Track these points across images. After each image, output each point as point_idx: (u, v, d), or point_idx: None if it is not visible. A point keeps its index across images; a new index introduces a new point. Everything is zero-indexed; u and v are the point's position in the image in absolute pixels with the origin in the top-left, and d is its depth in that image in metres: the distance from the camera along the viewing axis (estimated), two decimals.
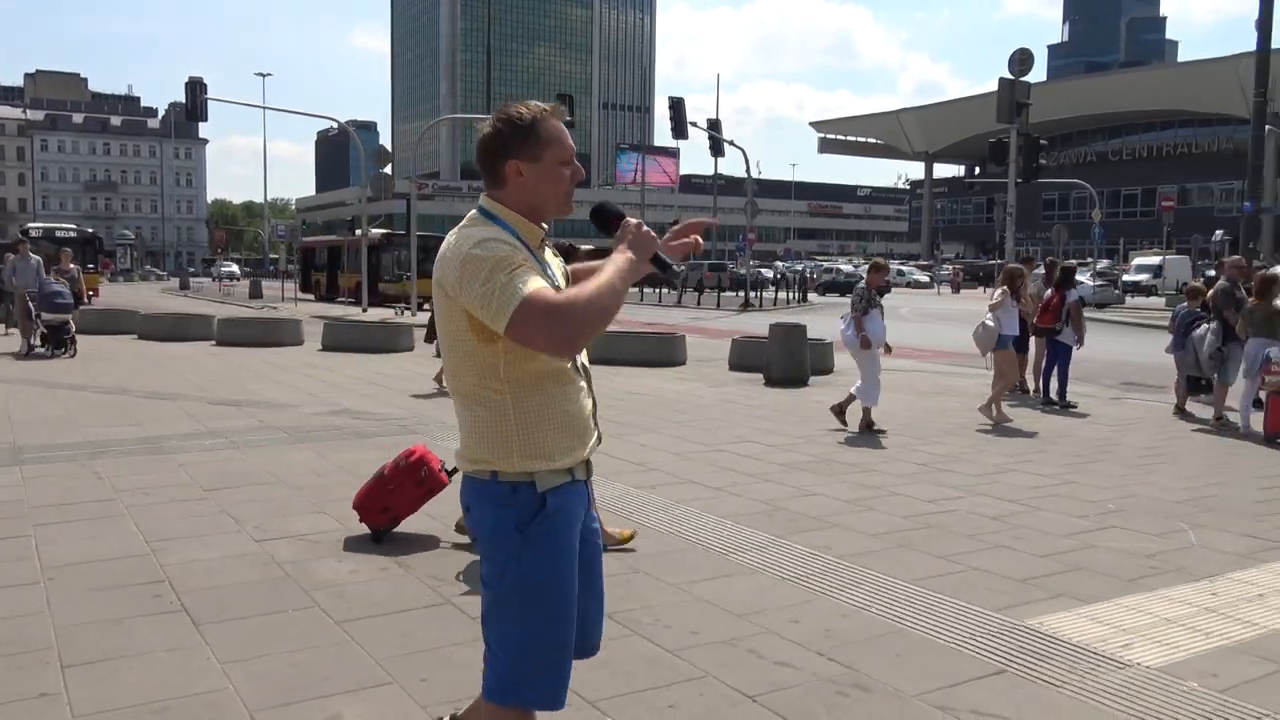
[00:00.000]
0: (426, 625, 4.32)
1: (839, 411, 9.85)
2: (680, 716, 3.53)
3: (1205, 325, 10.63)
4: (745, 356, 15.10)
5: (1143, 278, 48.16)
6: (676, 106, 32.97)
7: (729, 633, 4.28)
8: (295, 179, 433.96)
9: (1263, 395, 9.80)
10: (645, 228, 2.43)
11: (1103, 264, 49.12)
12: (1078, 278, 12.43)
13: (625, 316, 31.58)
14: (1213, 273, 15.61)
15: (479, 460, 2.40)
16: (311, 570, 5.05)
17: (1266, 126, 27.39)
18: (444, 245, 2.38)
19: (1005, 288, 11.03)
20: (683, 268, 2.69)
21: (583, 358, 2.48)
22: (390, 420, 9.90)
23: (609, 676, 3.78)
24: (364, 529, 5.67)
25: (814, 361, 14.10)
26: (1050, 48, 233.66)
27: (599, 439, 2.55)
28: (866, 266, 10.51)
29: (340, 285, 38.96)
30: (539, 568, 2.37)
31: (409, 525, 5.87)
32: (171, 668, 3.83)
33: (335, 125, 36.12)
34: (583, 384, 2.47)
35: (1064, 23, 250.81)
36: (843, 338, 10.04)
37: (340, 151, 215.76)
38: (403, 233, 34.80)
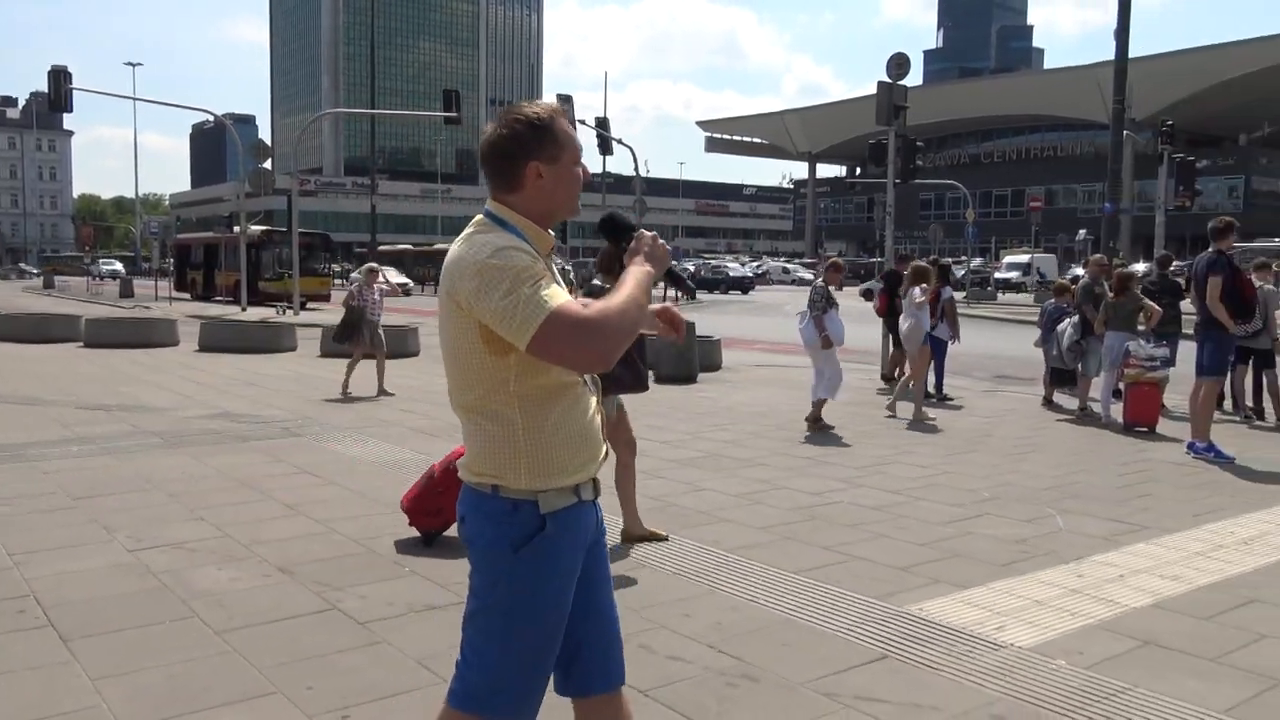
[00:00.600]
0: (313, 632, 4.22)
1: (814, 420, 9.81)
2: (571, 715, 3.53)
3: (1068, 320, 11.17)
4: None
5: (1013, 275, 50.23)
6: (565, 104, 32.91)
7: (625, 631, 4.29)
8: (169, 173, 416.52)
9: (1122, 386, 10.34)
10: (660, 240, 2.39)
11: (976, 261, 51.00)
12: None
13: None
14: (1079, 270, 16.37)
15: (483, 474, 2.30)
16: (189, 579, 4.87)
17: (1125, 132, 28.87)
18: (453, 253, 2.27)
19: (924, 285, 11.24)
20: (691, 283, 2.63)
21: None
22: (273, 422, 9.62)
23: None
24: (413, 531, 5.60)
25: (703, 358, 14.28)
26: (926, 53, 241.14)
27: (606, 454, 2.47)
28: (826, 265, 10.53)
29: (218, 284, 37.61)
30: (529, 589, 2.28)
31: (284, 530, 5.73)
32: (37, 687, 3.65)
33: (211, 118, 34.88)
34: (593, 399, 2.39)
35: (939, 29, 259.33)
36: (801, 336, 10.05)
37: (217, 145, 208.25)
38: (284, 229, 33.84)
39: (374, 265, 13.04)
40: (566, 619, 2.36)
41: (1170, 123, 31.25)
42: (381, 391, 11.76)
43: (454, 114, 30.58)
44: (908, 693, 3.70)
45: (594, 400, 2.39)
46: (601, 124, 37.86)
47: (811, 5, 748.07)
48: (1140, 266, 24.99)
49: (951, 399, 11.88)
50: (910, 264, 11.55)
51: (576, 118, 33.28)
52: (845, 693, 3.68)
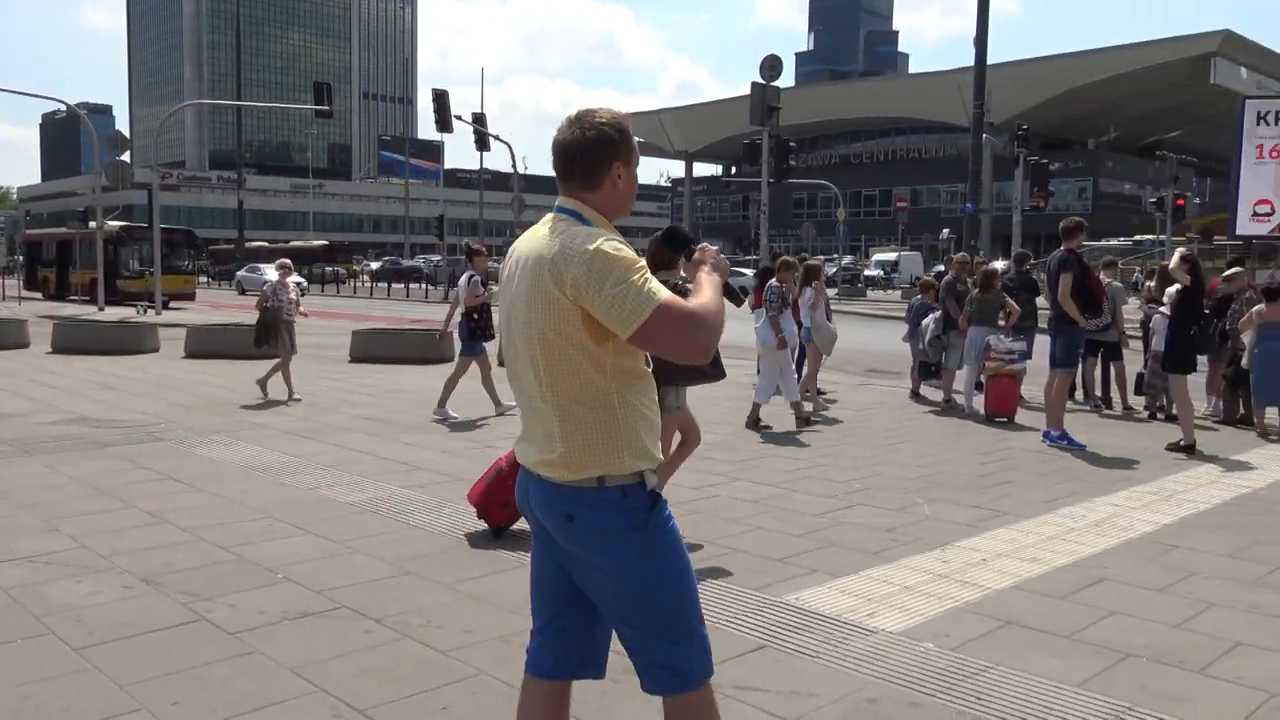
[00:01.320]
0: (179, 645, 4.05)
1: (804, 419, 9.83)
2: (454, 717, 3.50)
3: (932, 315, 11.63)
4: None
5: (881, 272, 51.92)
6: (440, 99, 32.36)
7: (502, 629, 4.28)
8: (18, 165, 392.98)
9: (984, 379, 10.81)
10: (722, 255, 2.57)
11: (846, 259, 52.48)
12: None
13: (390, 313, 30.76)
14: (942, 268, 17.04)
15: (583, 467, 2.35)
16: (44, 594, 4.62)
17: (984, 135, 30.15)
18: (545, 246, 2.36)
19: (818, 283, 11.47)
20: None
21: None
22: (134, 427, 9.19)
23: (378, 684, 3.70)
24: (482, 525, 5.57)
25: None
26: (798, 55, 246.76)
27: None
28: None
29: (72, 282, 35.66)
30: (675, 550, 2.43)
31: (146, 539, 5.50)
32: None
33: (63, 107, 33.04)
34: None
35: (809, 32, 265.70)
36: (756, 334, 10.00)
37: (70, 136, 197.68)
38: (144, 225, 32.33)
39: (286, 262, 12.36)
40: None
41: (1025, 127, 32.80)
42: (289, 393, 11.16)
43: (325, 107, 29.79)
44: (786, 681, 3.79)
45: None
46: (478, 120, 37.42)
47: (688, 5, 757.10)
48: (1000, 264, 26.16)
49: (825, 393, 12.20)
50: (804, 263, 11.61)
51: (453, 114, 32.79)
52: (726, 683, 3.74)
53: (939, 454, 8.61)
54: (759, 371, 10.06)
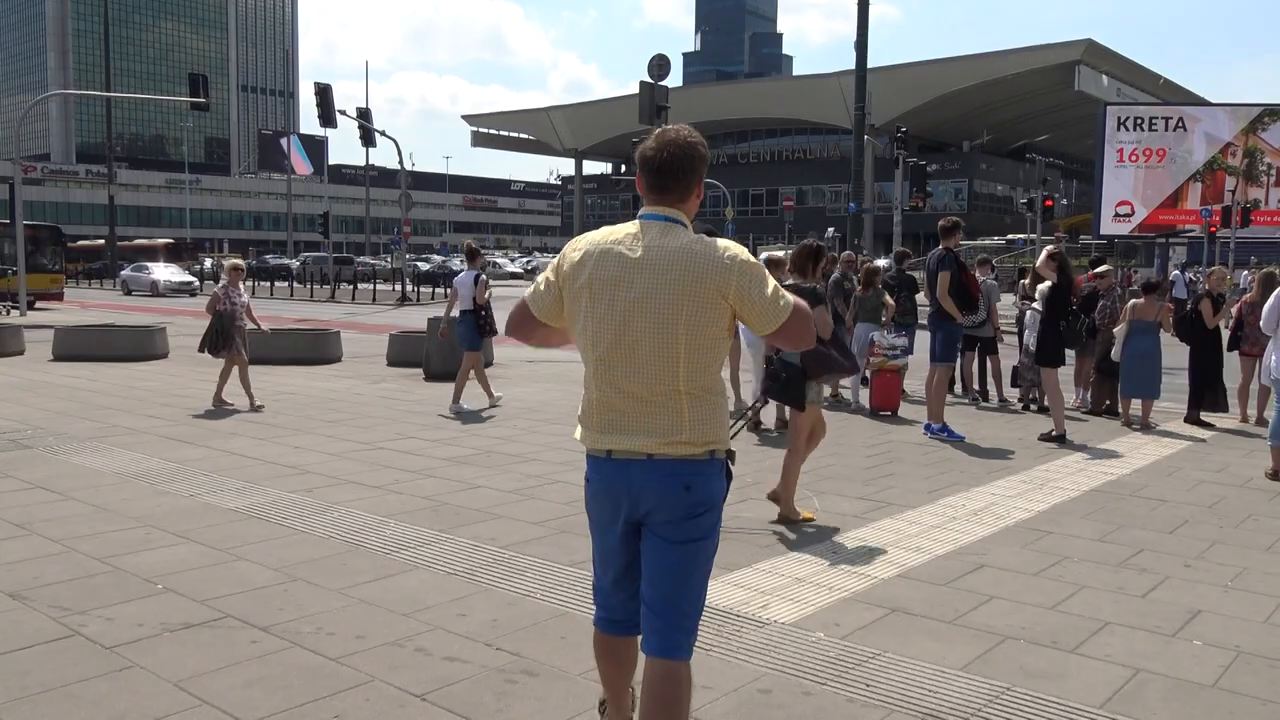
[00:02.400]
0: (50, 662, 3.86)
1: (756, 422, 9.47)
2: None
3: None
4: (404, 351, 14.84)
5: None
6: (324, 93, 31.58)
7: (395, 633, 4.21)
8: None
9: (868, 374, 11.11)
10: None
11: None
12: None
13: (277, 313, 29.88)
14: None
15: (704, 444, 2.72)
16: None
17: (865, 137, 30.96)
18: (690, 252, 2.66)
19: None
20: None
21: None
22: None
23: (266, 694, 3.60)
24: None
25: None
26: (685, 55, 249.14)
27: None
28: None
29: None
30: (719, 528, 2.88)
31: (13, 552, 5.23)
32: None
33: None
34: None
35: (696, 32, 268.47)
36: (743, 336, 9.60)
37: None
38: (6, 221, 30.62)
39: (239, 263, 11.65)
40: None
41: (904, 130, 33.77)
42: (251, 402, 10.50)
43: (201, 99, 28.74)
44: None
45: None
46: (363, 115, 36.68)
47: (575, 2, 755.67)
48: (882, 262, 26.89)
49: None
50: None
51: (337, 108, 32.05)
52: None
53: (827, 447, 8.79)
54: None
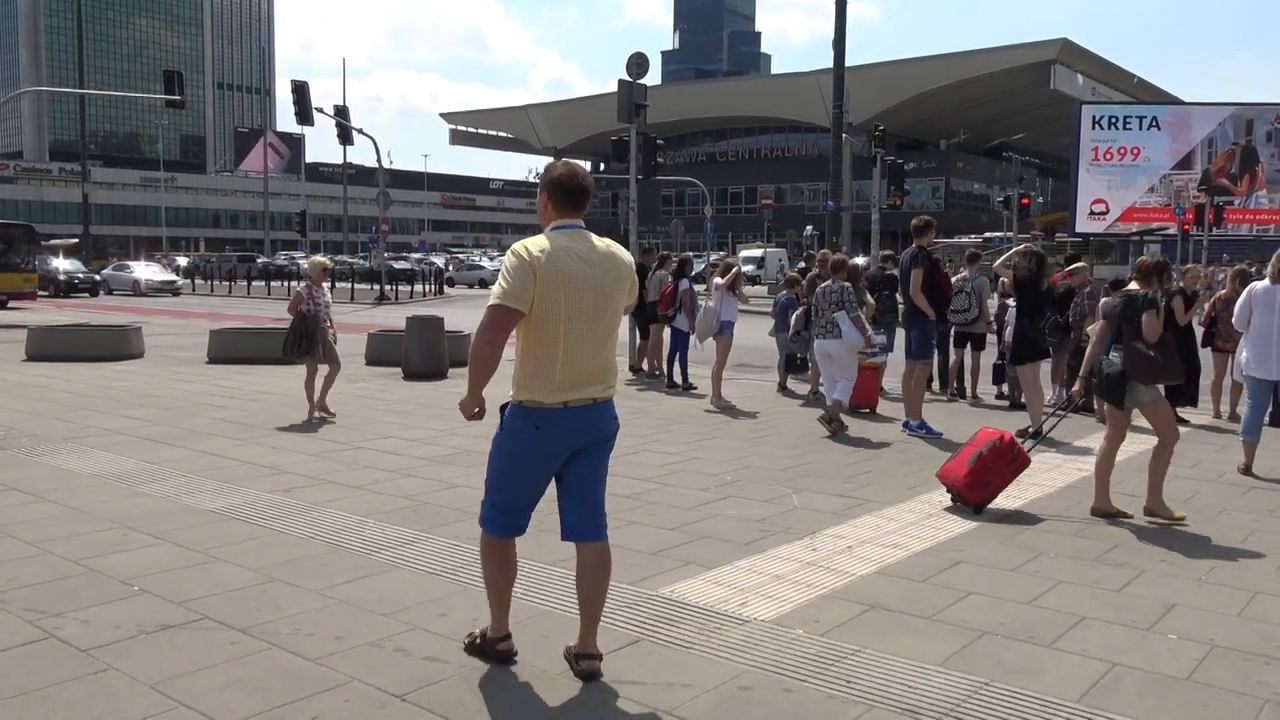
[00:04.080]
0: (25, 665, 3.82)
1: (834, 420, 9.42)
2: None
3: (798, 311, 11.95)
4: (382, 350, 14.79)
5: (749, 268, 52.89)
6: (300, 91, 31.37)
7: (375, 634, 4.19)
8: None
9: None
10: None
11: (714, 255, 53.31)
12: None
13: (249, 313, 29.69)
14: (803, 264, 17.51)
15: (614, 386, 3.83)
16: None
17: (843, 135, 31.09)
18: (612, 251, 3.76)
19: (722, 278, 11.63)
20: None
21: None
22: None
23: (245, 696, 3.58)
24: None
25: (453, 354, 14.08)
26: (664, 53, 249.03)
27: None
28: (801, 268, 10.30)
29: None
30: None
31: (2, 553, 5.18)
32: None
33: None
34: None
35: (675, 31, 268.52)
36: (844, 339, 9.58)
37: None
38: None
39: (325, 262, 10.68)
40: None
41: (882, 128, 33.90)
42: (323, 411, 9.88)
43: (176, 97, 28.51)
44: (661, 672, 3.84)
45: None
46: (340, 113, 36.45)
47: (556, 0, 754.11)
48: (861, 259, 26.95)
49: (695, 387, 12.38)
50: (724, 259, 12.04)
51: (314, 106, 31.86)
52: (604, 677, 3.77)
53: (806, 445, 8.85)
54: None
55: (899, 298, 12.30)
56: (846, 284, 9.82)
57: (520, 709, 3.54)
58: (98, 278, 40.48)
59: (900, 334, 10.77)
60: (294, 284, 43.07)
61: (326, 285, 10.42)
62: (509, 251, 3.63)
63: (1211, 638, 4.29)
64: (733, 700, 3.62)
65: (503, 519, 3.78)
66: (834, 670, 3.88)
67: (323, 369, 10.02)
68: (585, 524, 3.76)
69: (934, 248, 9.84)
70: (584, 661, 3.76)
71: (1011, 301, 10.48)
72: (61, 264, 39.85)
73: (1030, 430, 9.26)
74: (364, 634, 4.19)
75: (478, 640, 3.96)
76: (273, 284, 42.66)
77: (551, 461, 3.70)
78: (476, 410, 3.74)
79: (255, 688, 3.64)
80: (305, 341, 9.87)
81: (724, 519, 6.19)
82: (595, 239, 3.69)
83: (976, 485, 6.44)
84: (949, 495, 6.62)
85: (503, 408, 3.78)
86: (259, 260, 53.71)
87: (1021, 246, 10.10)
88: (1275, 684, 3.84)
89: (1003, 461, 6.54)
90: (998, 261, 9.87)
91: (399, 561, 5.19)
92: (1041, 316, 9.54)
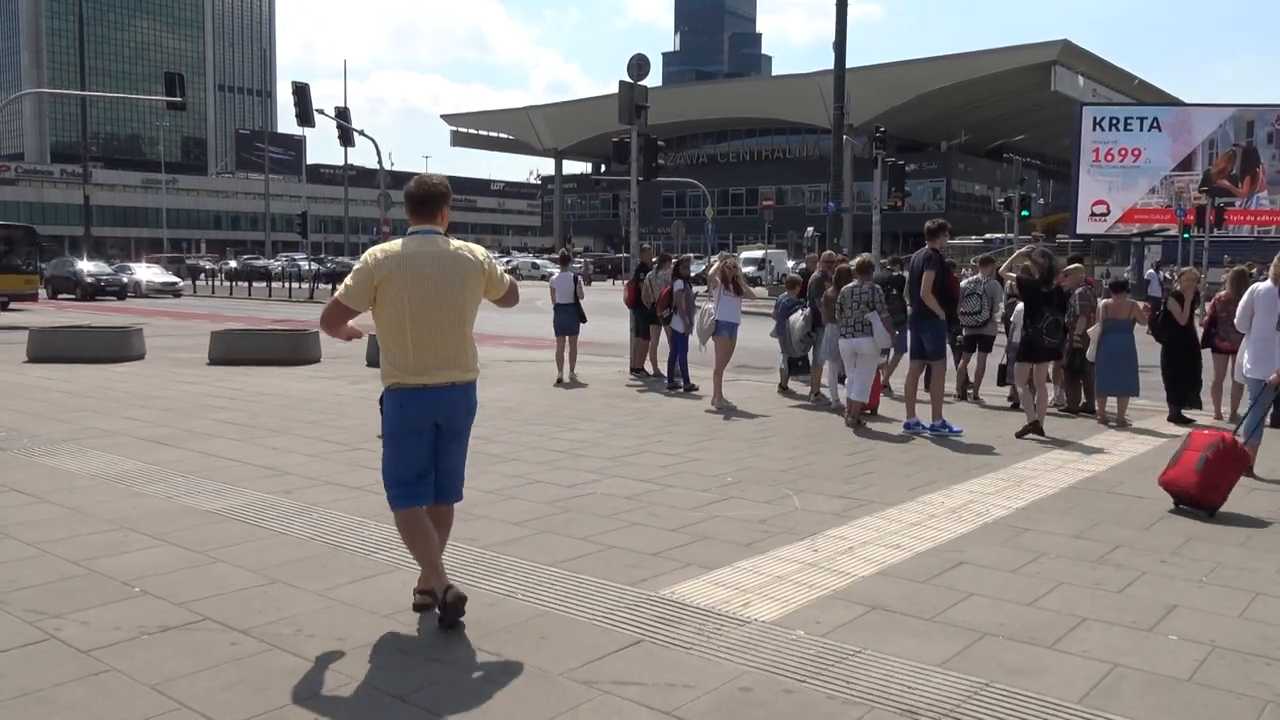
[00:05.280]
0: (25, 666, 3.82)
1: (862, 416, 9.94)
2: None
3: (800, 312, 11.95)
4: None
5: (749, 269, 52.88)
6: (301, 92, 31.38)
7: (376, 635, 4.19)
8: None
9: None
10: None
11: (714, 257, 53.33)
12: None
13: (251, 314, 29.72)
14: (804, 265, 17.52)
15: (475, 370, 4.40)
16: None
17: (844, 136, 31.07)
18: (460, 249, 4.30)
19: (719, 278, 11.67)
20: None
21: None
22: None
23: (246, 697, 3.58)
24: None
25: None
26: (665, 55, 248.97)
27: None
28: (853, 266, 10.45)
29: None
30: None
31: (3, 554, 5.18)
32: None
33: None
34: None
35: (675, 32, 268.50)
36: (876, 340, 9.89)
37: None
38: None
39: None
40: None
41: (883, 129, 33.90)
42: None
43: (177, 99, 28.54)
44: (662, 673, 3.84)
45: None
46: (341, 114, 36.49)
47: (558, 1, 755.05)
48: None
49: (696, 388, 12.37)
50: (725, 259, 12.13)
51: (315, 108, 31.87)
52: (603, 679, 3.77)
53: (807, 446, 8.84)
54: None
55: (906, 298, 12.35)
56: (876, 285, 10.07)
57: (520, 709, 3.54)
58: (125, 280, 39.76)
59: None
60: (297, 284, 43.05)
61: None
62: (362, 256, 4.32)
63: (1212, 639, 4.29)
64: (733, 701, 3.62)
65: (404, 492, 4.30)
66: (835, 671, 3.88)
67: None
68: (451, 486, 4.46)
69: (946, 250, 9.93)
70: (450, 592, 4.20)
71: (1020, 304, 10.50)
72: (86, 266, 39.49)
73: (1027, 426, 9.29)
74: (365, 635, 4.19)
75: (427, 596, 4.38)
76: (273, 285, 42.66)
77: (423, 436, 4.26)
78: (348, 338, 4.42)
79: (256, 688, 3.64)
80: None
81: (725, 520, 6.18)
82: (446, 242, 4.25)
83: (1209, 489, 6.47)
84: (1174, 501, 6.64)
85: (381, 399, 4.37)
86: (256, 261, 53.54)
87: (1025, 249, 10.14)
88: (1276, 685, 3.83)
89: (1228, 462, 6.57)
90: (1003, 266, 9.91)
91: (399, 562, 5.19)
92: (1041, 318, 9.55)
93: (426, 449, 4.29)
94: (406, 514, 4.32)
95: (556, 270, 14.28)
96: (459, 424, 4.35)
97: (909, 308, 12.38)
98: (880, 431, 9.67)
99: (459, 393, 4.27)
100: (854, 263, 10.65)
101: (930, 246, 9.58)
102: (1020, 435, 9.27)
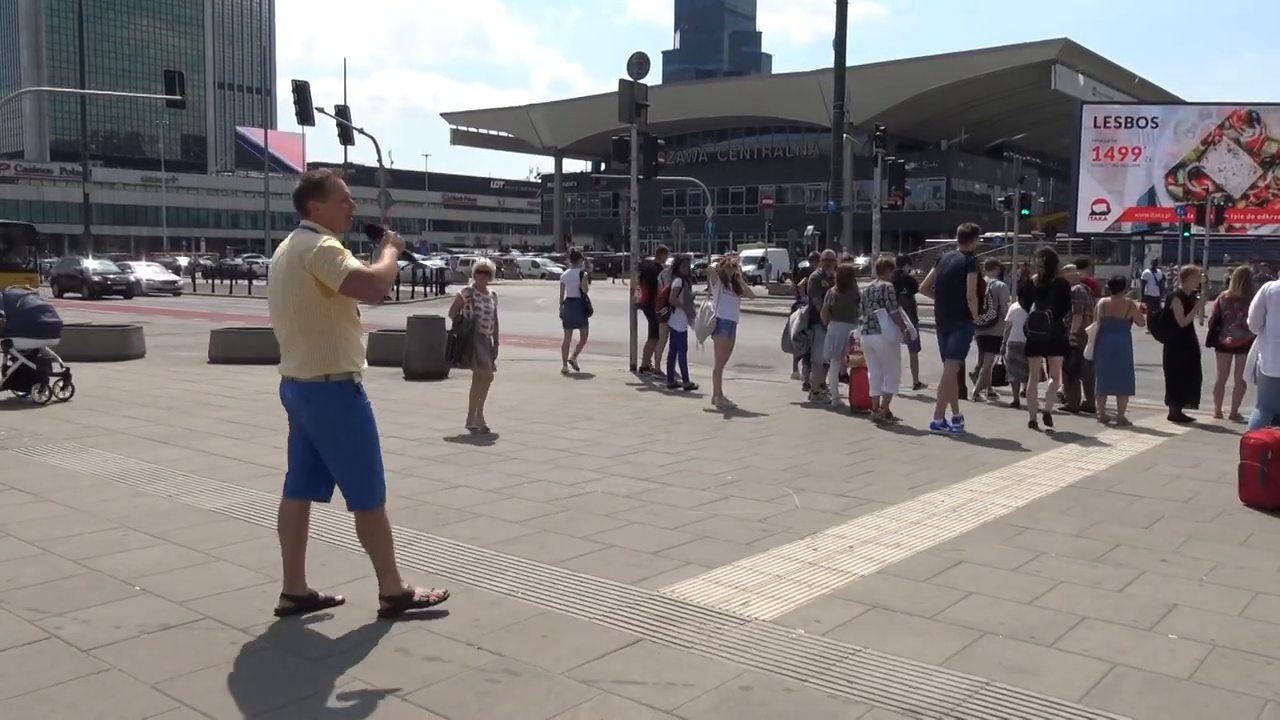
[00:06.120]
0: (25, 665, 3.82)
1: (884, 415, 10.08)
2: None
3: (798, 311, 11.97)
4: (384, 350, 14.76)
5: (749, 268, 52.88)
6: (301, 90, 31.35)
7: (376, 634, 4.19)
8: None
9: (849, 371, 11.15)
10: (398, 235, 4.50)
11: (715, 256, 53.31)
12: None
13: (252, 313, 29.70)
14: (805, 264, 17.50)
15: (322, 371, 4.21)
16: None
17: (844, 135, 31.07)
18: (291, 247, 4.18)
19: (719, 278, 11.73)
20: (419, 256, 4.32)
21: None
22: None
23: (247, 694, 3.58)
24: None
25: None
26: (665, 53, 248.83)
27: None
28: (875, 265, 10.72)
29: None
30: (367, 420, 4.46)
31: (4, 553, 5.18)
32: None
33: None
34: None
35: (675, 31, 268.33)
36: (883, 334, 10.00)
37: None
38: None
39: (488, 264, 9.98)
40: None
41: (883, 128, 33.86)
42: (479, 425, 9.26)
43: (177, 97, 28.51)
44: (662, 672, 3.84)
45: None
46: (341, 113, 36.44)
47: (558, 0, 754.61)
48: (861, 260, 26.96)
49: (696, 387, 12.37)
50: (724, 258, 12.23)
51: (315, 106, 31.84)
52: (603, 678, 3.77)
53: (807, 445, 8.84)
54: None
55: (918, 298, 12.42)
56: (889, 284, 10.27)
57: (521, 708, 3.54)
58: (132, 279, 39.33)
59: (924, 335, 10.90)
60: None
61: (491, 289, 9.73)
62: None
63: (1212, 638, 4.29)
64: (733, 700, 3.62)
65: (380, 481, 4.41)
66: (835, 670, 3.88)
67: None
68: (321, 488, 4.53)
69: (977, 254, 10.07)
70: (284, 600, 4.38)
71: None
72: (93, 265, 39.29)
73: (1029, 422, 9.36)
74: (365, 634, 4.19)
75: (416, 598, 4.43)
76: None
77: (293, 426, 4.45)
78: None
79: (256, 688, 3.64)
80: (463, 348, 9.37)
81: (725, 519, 6.18)
82: (298, 234, 4.21)
83: None
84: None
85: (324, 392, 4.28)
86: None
87: (1039, 249, 10.35)
88: (1276, 684, 3.83)
89: None
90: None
91: (399, 562, 5.18)
92: (1038, 315, 9.69)
93: (297, 440, 4.40)
94: (280, 502, 4.52)
95: (560, 270, 14.83)
96: (303, 424, 4.29)
97: (916, 308, 12.46)
98: (880, 432, 9.67)
99: (291, 390, 4.25)
100: (875, 263, 10.85)
101: (964, 250, 9.71)
102: (1031, 426, 9.47)
